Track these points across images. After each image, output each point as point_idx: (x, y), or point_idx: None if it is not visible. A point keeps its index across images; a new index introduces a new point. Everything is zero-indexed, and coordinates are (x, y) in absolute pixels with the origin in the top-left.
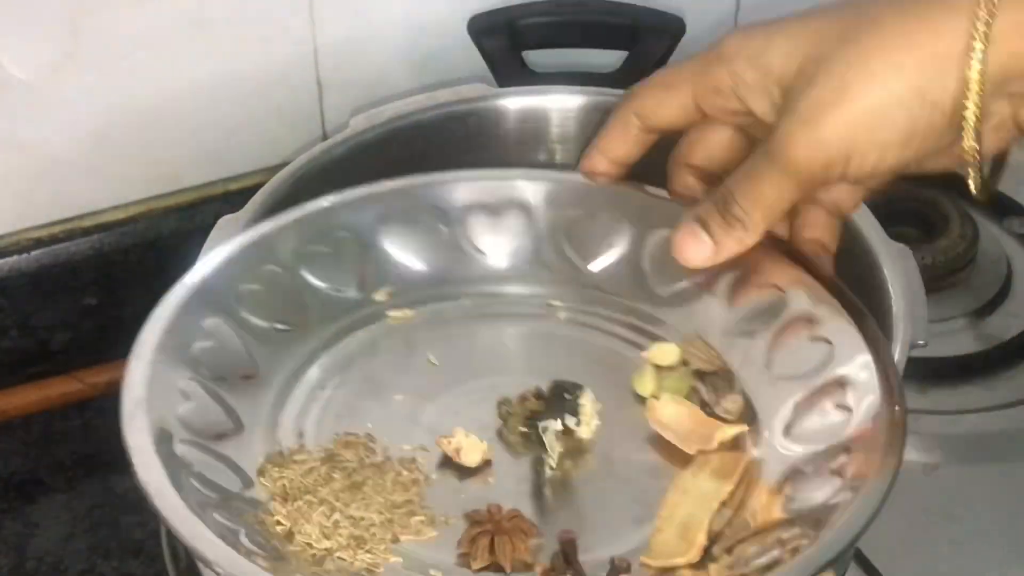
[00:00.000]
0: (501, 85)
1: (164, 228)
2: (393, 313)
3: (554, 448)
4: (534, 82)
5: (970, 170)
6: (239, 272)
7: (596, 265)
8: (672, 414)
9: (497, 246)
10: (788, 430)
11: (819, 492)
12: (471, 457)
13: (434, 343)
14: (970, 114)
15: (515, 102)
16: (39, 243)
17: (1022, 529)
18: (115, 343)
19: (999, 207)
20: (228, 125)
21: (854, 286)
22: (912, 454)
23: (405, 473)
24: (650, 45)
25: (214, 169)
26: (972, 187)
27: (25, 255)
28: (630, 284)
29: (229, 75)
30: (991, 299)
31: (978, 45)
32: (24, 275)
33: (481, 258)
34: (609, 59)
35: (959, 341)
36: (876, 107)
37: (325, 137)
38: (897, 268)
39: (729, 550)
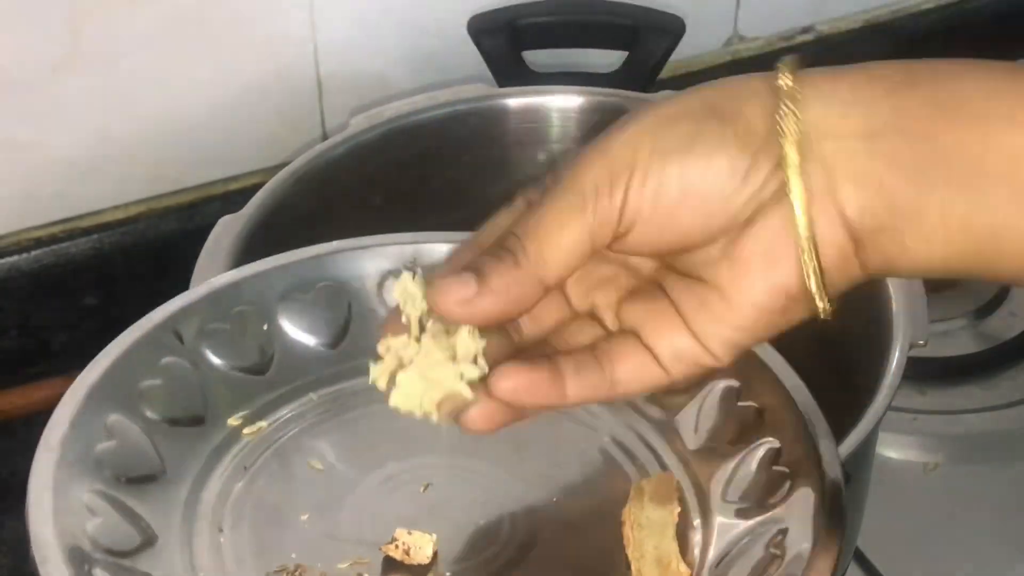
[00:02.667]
0: (501, 85)
1: (164, 228)
2: (247, 430)
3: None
4: (534, 82)
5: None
6: (90, 433)
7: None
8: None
9: (323, 331)
10: (724, 498)
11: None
12: (422, 554)
13: (307, 447)
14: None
15: (515, 102)
16: (39, 243)
17: (1022, 529)
18: None
19: None
20: (228, 125)
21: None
22: (912, 454)
23: None
24: (650, 45)
25: (214, 169)
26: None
27: (25, 255)
28: None
29: (229, 75)
30: (991, 299)
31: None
32: (24, 275)
33: (310, 348)
34: (609, 59)
35: (959, 341)
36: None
37: (325, 137)
38: None
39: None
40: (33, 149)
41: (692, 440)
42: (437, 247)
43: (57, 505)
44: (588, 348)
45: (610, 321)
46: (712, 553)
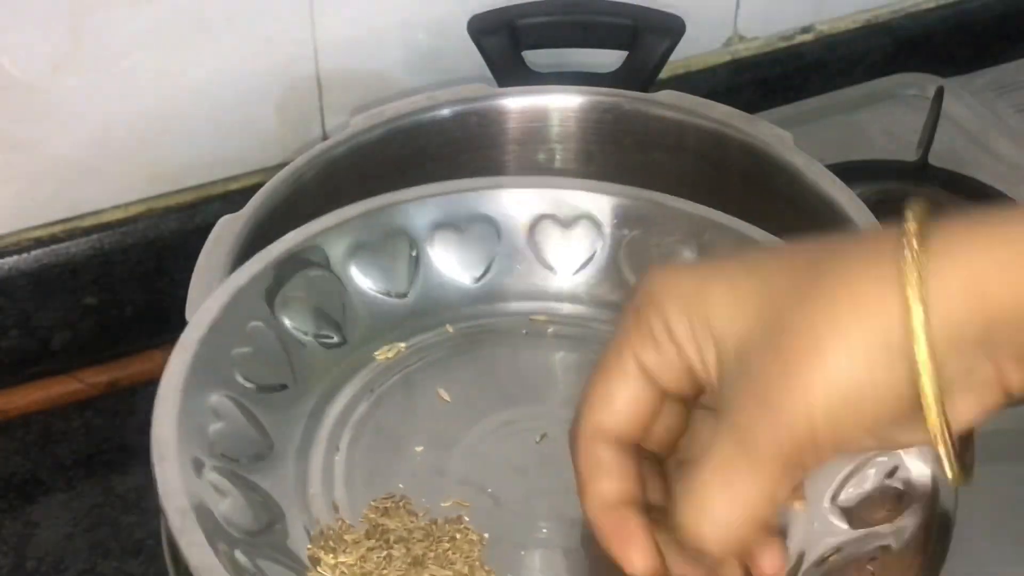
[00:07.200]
0: (501, 85)
1: (164, 228)
2: (379, 353)
3: None
4: (534, 82)
5: (941, 452)
6: (229, 336)
7: (575, 275)
8: None
9: (468, 264)
10: (834, 500)
11: None
12: None
13: (435, 378)
14: (929, 394)
15: (515, 102)
16: (39, 243)
17: (1022, 529)
18: (115, 343)
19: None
20: (228, 125)
21: None
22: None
23: (459, 536)
24: (650, 45)
25: (214, 169)
26: (948, 472)
27: (25, 255)
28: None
29: (229, 75)
30: None
31: (917, 318)
32: (24, 275)
33: (453, 279)
34: (609, 59)
35: None
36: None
37: (325, 137)
38: None
39: None
40: (33, 149)
41: None
42: (585, 195)
43: (184, 405)
44: None
45: None
46: (810, 551)
